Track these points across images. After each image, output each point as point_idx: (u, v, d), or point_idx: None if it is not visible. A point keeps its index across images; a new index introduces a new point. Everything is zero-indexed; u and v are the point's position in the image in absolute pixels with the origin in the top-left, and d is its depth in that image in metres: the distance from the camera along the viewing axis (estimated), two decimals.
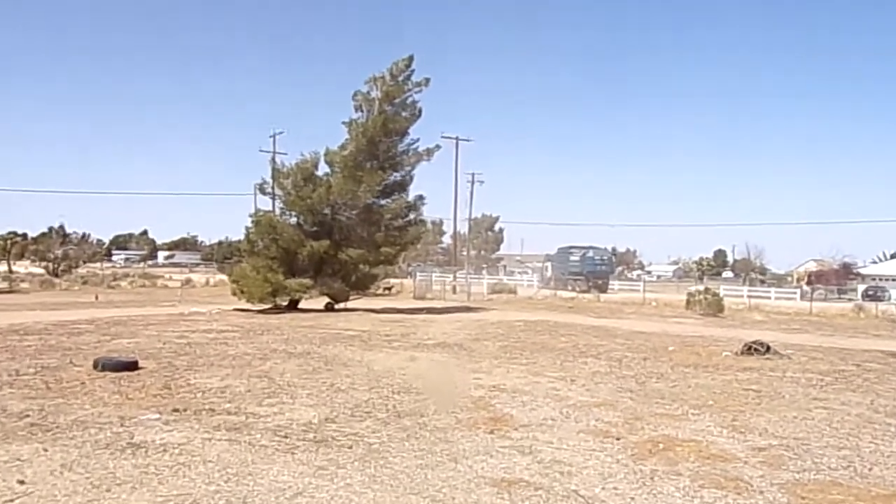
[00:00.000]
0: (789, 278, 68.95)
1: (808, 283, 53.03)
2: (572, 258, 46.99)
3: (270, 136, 50.14)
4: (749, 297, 36.55)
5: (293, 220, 21.82)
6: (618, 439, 5.80)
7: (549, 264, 51.22)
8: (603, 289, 43.66)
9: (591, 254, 46.24)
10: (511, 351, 11.58)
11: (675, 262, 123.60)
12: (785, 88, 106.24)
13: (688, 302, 26.51)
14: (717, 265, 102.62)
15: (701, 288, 29.86)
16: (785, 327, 19.64)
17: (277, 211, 22.71)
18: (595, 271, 44.97)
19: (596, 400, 7.43)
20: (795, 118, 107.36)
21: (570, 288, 43.54)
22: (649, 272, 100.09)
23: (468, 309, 25.98)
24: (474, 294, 35.25)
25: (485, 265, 49.34)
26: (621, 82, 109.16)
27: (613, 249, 78.24)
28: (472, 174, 49.14)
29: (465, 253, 62.60)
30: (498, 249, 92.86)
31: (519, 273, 65.97)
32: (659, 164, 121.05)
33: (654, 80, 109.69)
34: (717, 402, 7.44)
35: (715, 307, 24.70)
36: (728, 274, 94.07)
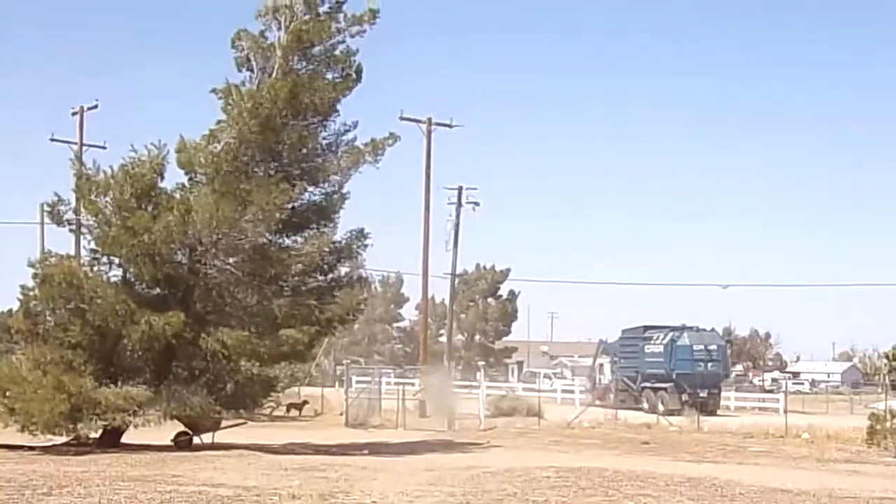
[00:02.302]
0: None
1: None
2: (650, 349, 47.65)
3: (73, 113, 50.23)
4: None
5: (115, 273, 21.77)
6: None
7: (605, 361, 51.89)
8: (711, 407, 43.71)
9: (685, 340, 46.68)
10: None
11: (848, 357, 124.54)
12: None
13: (871, 433, 26.65)
14: None
15: None
16: None
17: (85, 256, 22.68)
18: (695, 373, 45.27)
19: None
20: None
21: (646, 405, 43.58)
22: (796, 374, 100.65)
23: (450, 446, 25.80)
24: (463, 417, 35.14)
25: (483, 362, 49.12)
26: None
27: (728, 333, 78.82)
28: (460, 189, 49.64)
29: (444, 339, 62.62)
30: (508, 333, 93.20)
31: (548, 377, 65.99)
32: (809, 185, 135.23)
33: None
34: None
35: None
36: None
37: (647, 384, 46.41)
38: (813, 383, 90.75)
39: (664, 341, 46.71)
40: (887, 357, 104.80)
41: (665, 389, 44.50)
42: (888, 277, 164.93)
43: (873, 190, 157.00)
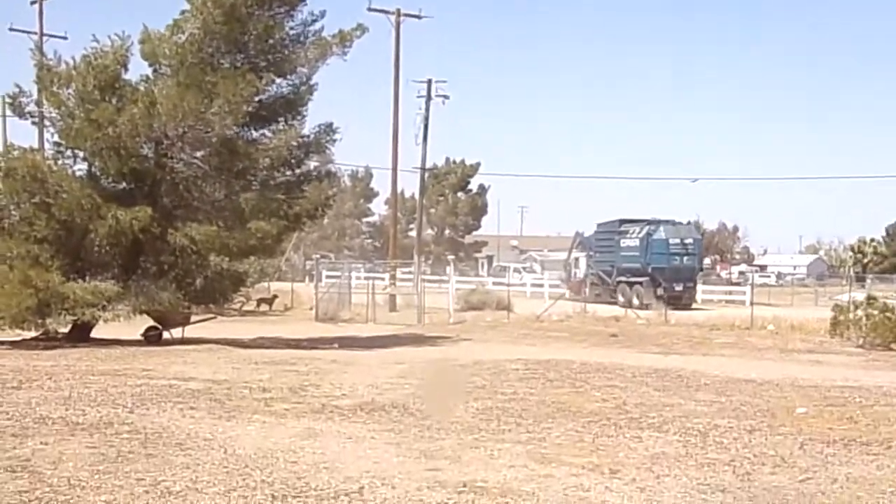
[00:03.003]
0: None
1: None
2: (626, 242, 47.50)
3: (32, 2, 49.34)
4: None
5: (80, 167, 21.60)
6: None
7: (580, 255, 51.71)
8: (686, 300, 43.97)
9: (662, 234, 46.46)
10: (500, 417, 11.62)
11: (814, 250, 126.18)
12: None
13: (834, 324, 27.06)
14: (891, 254, 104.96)
15: (860, 297, 30.48)
16: None
17: (49, 149, 22.47)
18: (671, 267, 45.35)
19: None
20: None
21: (621, 299, 43.71)
22: (763, 267, 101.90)
23: (420, 339, 26.01)
24: (432, 311, 35.39)
25: (452, 256, 49.30)
26: None
27: (697, 226, 79.23)
28: (429, 82, 49.19)
29: (413, 233, 62.74)
30: (478, 227, 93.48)
31: (518, 271, 66.39)
32: (779, 79, 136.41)
33: None
34: None
35: (886, 332, 25.27)
36: None
37: (623, 278, 46.39)
38: (779, 276, 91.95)
39: (640, 235, 46.62)
40: (852, 249, 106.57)
41: (640, 283, 44.60)
42: (856, 170, 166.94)
43: (843, 83, 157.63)
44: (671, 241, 46.18)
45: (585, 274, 49.15)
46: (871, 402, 13.67)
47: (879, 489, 8.31)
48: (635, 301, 43.11)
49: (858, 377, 17.39)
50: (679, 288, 44.46)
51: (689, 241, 47.53)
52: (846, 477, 8.77)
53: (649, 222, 47.47)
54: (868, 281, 72.90)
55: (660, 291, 43.20)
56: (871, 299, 27.44)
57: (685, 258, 46.39)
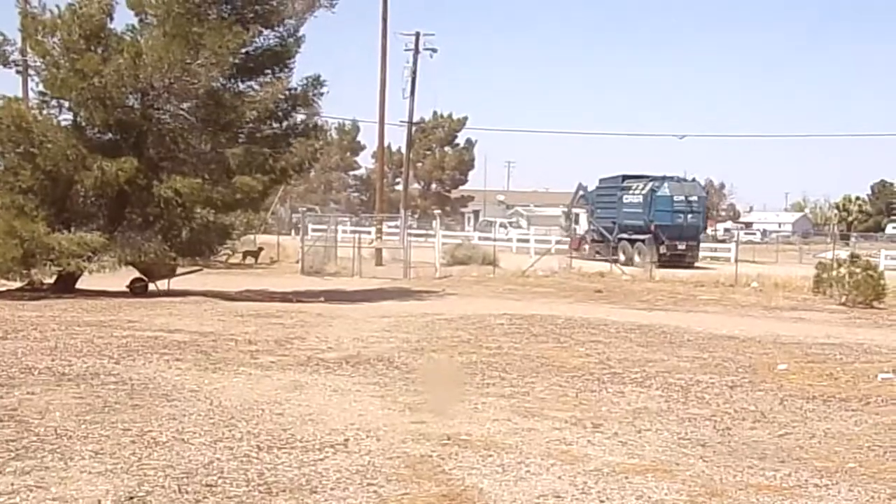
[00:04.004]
0: None
1: None
2: (629, 199, 46.46)
3: None
4: None
5: (65, 117, 21.46)
6: None
7: (580, 211, 50.95)
8: (690, 259, 43.38)
9: (666, 190, 45.22)
10: (484, 371, 11.70)
11: (800, 208, 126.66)
12: None
13: (817, 281, 27.24)
14: (876, 212, 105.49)
15: (843, 255, 30.67)
16: None
17: (33, 99, 22.32)
18: (675, 225, 44.37)
19: (639, 462, 7.62)
20: None
21: (622, 256, 42.66)
22: (748, 224, 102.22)
23: (406, 293, 26.06)
24: (418, 265, 35.43)
25: (439, 211, 49.28)
26: None
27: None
28: (417, 35, 48.87)
29: (400, 187, 62.66)
30: (465, 182, 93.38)
31: (504, 226, 66.44)
32: (766, 36, 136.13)
33: None
34: (863, 465, 7.71)
35: (868, 290, 25.48)
36: None
37: (625, 235, 45.18)
38: (764, 233, 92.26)
39: (643, 191, 45.47)
40: (838, 207, 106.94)
41: (643, 241, 43.40)
42: (842, 129, 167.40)
43: (832, 40, 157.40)
44: (675, 198, 44.96)
45: (586, 230, 48.68)
46: (852, 359, 13.80)
47: (857, 444, 8.42)
48: (637, 259, 42.19)
49: (840, 334, 17.54)
50: (682, 246, 43.68)
51: (694, 198, 46.24)
52: (824, 432, 8.89)
53: (653, 178, 46.25)
54: (852, 239, 73.58)
55: (662, 249, 42.55)
56: (854, 257, 27.64)
57: (689, 216, 45.31)
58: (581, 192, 52.60)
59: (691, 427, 8.93)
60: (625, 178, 47.97)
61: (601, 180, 50.70)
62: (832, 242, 52.89)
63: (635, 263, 40.99)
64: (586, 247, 46.70)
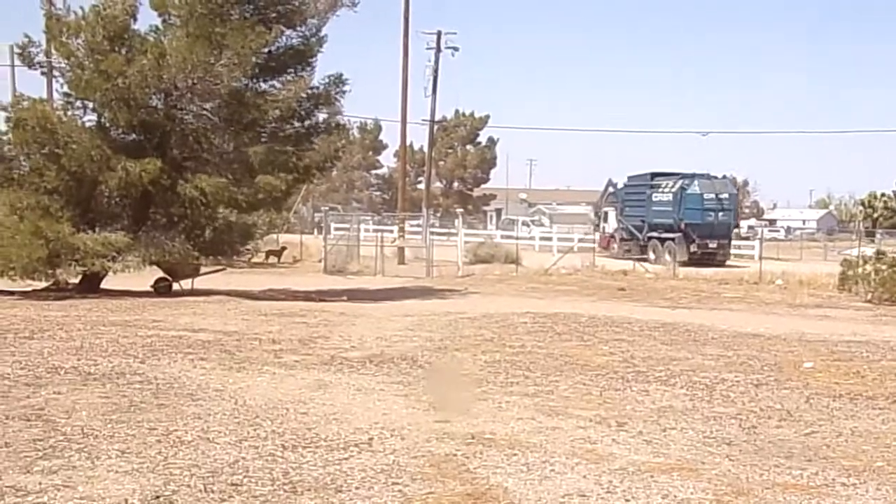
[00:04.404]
0: None
1: None
2: (658, 197, 45.88)
3: None
4: None
5: (90, 118, 21.58)
6: None
7: (609, 209, 50.34)
8: (721, 258, 42.66)
9: (696, 188, 44.41)
10: (508, 370, 11.68)
11: (824, 205, 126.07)
12: None
13: (842, 278, 27.10)
14: None
15: (869, 252, 30.49)
16: None
17: (58, 100, 22.43)
18: (705, 223, 43.60)
19: (664, 460, 7.59)
20: None
21: (652, 255, 42.48)
22: (773, 221, 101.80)
23: (428, 292, 26.06)
24: (441, 264, 35.47)
25: (461, 209, 49.29)
26: None
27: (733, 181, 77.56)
28: (439, 34, 48.92)
29: (422, 186, 62.69)
30: (487, 180, 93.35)
31: (526, 224, 66.37)
32: (789, 33, 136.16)
33: None
34: (891, 463, 7.67)
35: (894, 287, 25.30)
36: None
37: (654, 234, 44.79)
38: (789, 230, 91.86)
39: (673, 189, 44.81)
40: (862, 204, 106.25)
41: (673, 240, 42.95)
42: (867, 125, 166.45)
43: (854, 36, 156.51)
44: (706, 195, 44.17)
45: (615, 229, 48.16)
46: (878, 356, 13.71)
47: (884, 443, 8.37)
48: (667, 258, 41.52)
49: (866, 332, 17.43)
50: (713, 245, 43.02)
51: (725, 196, 45.31)
52: (851, 431, 8.83)
53: (683, 176, 45.47)
54: (878, 236, 73.10)
55: (693, 248, 42.14)
56: (880, 254, 27.50)
57: (720, 214, 44.46)
58: (610, 190, 51.92)
59: (717, 426, 8.88)
60: (654, 175, 47.36)
61: (630, 178, 50.05)
62: (857, 239, 52.57)
63: (665, 262, 40.41)
64: (615, 245, 46.17)
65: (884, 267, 26.04)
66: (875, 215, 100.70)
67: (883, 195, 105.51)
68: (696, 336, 15.79)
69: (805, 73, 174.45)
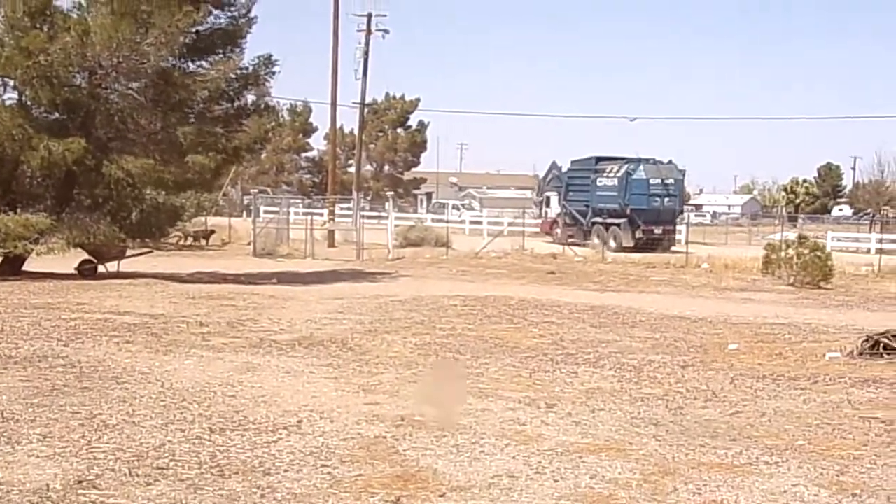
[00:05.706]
0: None
1: None
2: (603, 182, 45.25)
3: None
4: (881, 252, 38.23)
5: (10, 96, 21.18)
6: None
7: (552, 194, 49.79)
8: (666, 244, 42.03)
9: (642, 173, 43.83)
10: (437, 352, 11.72)
11: (748, 190, 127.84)
12: None
13: (766, 262, 27.51)
14: (822, 194, 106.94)
15: (791, 236, 31.00)
16: None
17: None
18: (651, 208, 43.17)
19: (593, 441, 7.66)
20: None
21: (596, 240, 41.82)
22: (698, 206, 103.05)
23: (358, 275, 26.01)
24: (371, 247, 35.39)
25: (391, 193, 49.21)
26: None
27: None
28: (369, 16, 48.66)
29: (352, 169, 62.44)
30: (418, 164, 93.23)
31: (457, 208, 66.53)
32: (717, 17, 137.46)
33: None
34: (812, 442, 7.82)
35: (816, 271, 25.77)
36: (842, 210, 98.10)
37: (599, 219, 44.22)
38: (714, 215, 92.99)
39: (619, 174, 44.14)
40: (785, 190, 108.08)
41: (618, 225, 42.69)
42: (790, 111, 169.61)
43: (780, 23, 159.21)
44: (652, 181, 43.64)
45: (558, 213, 47.58)
46: (800, 338, 13.98)
47: (805, 422, 8.52)
48: (612, 243, 41.20)
49: (788, 314, 17.77)
50: (659, 231, 42.55)
51: (671, 181, 44.75)
52: (774, 410, 8.99)
53: (628, 161, 44.78)
54: (800, 221, 74.48)
55: (638, 234, 41.89)
56: (802, 239, 27.92)
57: (666, 199, 44.04)
58: (554, 173, 51.30)
59: (644, 407, 8.99)
60: (599, 159, 46.82)
61: (573, 162, 49.41)
62: (780, 224, 53.29)
63: (611, 248, 40.01)
64: (558, 230, 45.58)
65: (805, 251, 26.51)
66: (797, 201, 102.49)
67: (805, 181, 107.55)
68: (624, 319, 15.95)
69: (731, 60, 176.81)
